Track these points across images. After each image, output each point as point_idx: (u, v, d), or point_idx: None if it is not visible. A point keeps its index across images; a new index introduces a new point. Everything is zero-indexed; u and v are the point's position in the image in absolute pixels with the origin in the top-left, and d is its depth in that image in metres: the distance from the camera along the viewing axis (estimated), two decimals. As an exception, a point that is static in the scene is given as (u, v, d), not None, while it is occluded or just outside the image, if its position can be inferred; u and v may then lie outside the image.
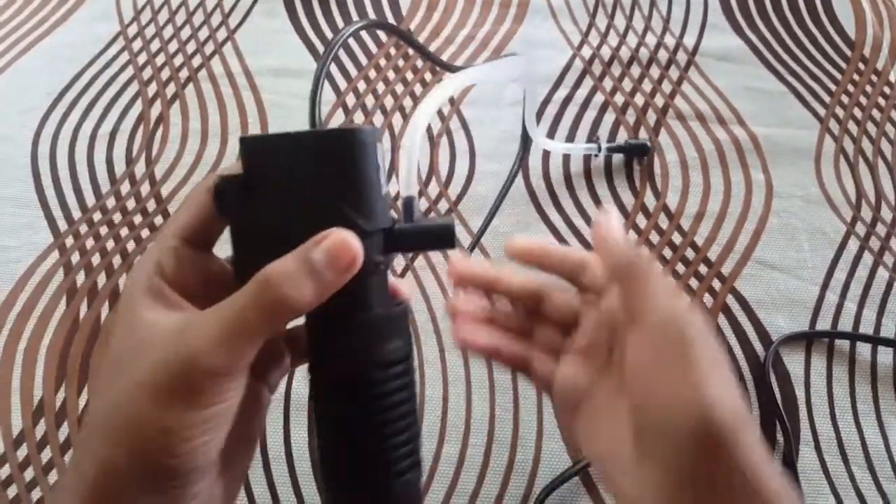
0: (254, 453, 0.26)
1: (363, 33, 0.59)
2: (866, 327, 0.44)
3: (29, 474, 0.40)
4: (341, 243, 0.21)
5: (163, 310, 0.22)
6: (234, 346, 0.20)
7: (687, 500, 0.22)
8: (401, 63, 0.57)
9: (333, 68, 0.57)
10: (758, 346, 0.43)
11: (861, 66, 0.56)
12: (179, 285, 0.23)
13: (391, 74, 0.57)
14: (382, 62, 0.57)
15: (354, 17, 0.61)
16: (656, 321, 0.24)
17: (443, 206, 0.49)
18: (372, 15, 0.61)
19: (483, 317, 0.29)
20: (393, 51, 0.58)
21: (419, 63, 0.57)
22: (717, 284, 0.46)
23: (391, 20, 0.61)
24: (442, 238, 0.23)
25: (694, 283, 0.46)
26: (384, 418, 0.22)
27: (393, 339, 0.23)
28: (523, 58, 0.23)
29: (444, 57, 0.58)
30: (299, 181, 0.21)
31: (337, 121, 0.54)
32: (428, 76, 0.56)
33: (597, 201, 0.49)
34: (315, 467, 0.40)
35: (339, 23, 0.60)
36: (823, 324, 0.44)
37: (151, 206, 0.50)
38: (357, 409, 0.22)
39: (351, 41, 0.59)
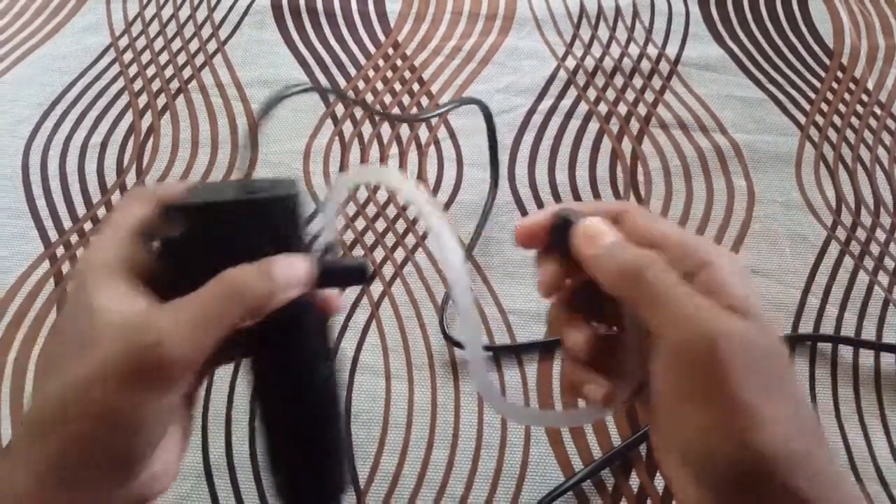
0: (191, 429, 0.26)
1: (352, 45, 0.60)
2: (848, 330, 0.45)
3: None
4: (296, 262, 0.23)
5: (122, 294, 0.22)
6: (199, 335, 0.21)
7: None
8: (389, 74, 0.58)
9: (322, 79, 0.58)
10: (741, 350, 0.44)
11: (839, 74, 0.58)
12: (134, 274, 0.23)
13: (379, 85, 0.58)
14: (371, 73, 0.58)
15: (343, 29, 0.62)
16: (678, 342, 0.20)
17: (431, 214, 0.50)
18: (360, 29, 0.62)
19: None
20: (381, 62, 0.59)
21: (407, 74, 0.58)
22: (700, 289, 0.46)
23: (380, 33, 0.61)
24: (357, 274, 0.26)
25: (678, 287, 0.46)
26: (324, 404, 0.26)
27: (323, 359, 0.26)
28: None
29: (432, 69, 0.58)
30: (234, 238, 0.24)
31: (326, 131, 0.55)
32: (416, 86, 0.57)
33: (582, 208, 0.50)
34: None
35: (329, 35, 0.61)
36: (805, 327, 0.45)
37: (142, 215, 0.50)
38: (299, 406, 0.25)
39: (339, 52, 0.60)
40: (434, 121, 0.55)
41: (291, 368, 0.25)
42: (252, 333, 0.24)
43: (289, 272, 0.23)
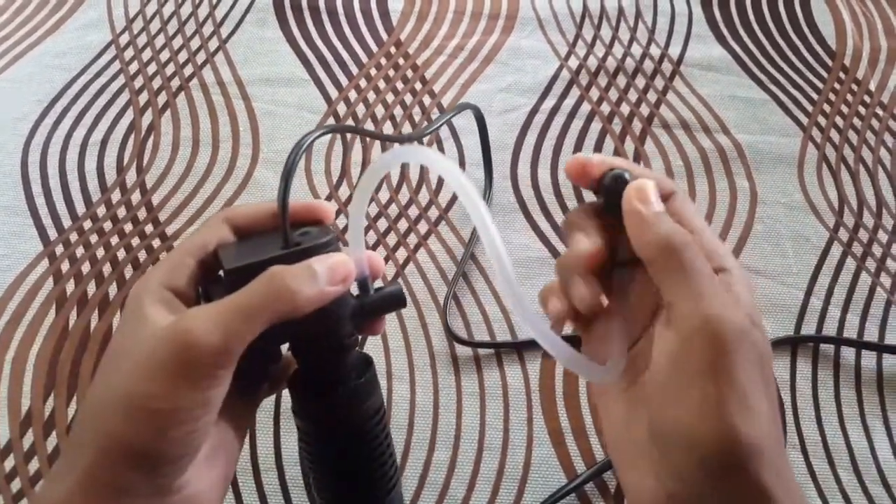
0: (237, 461, 0.26)
1: (355, 43, 0.60)
2: (850, 332, 0.45)
3: (16, 485, 0.39)
4: (340, 261, 0.24)
5: (170, 308, 0.23)
6: (230, 325, 0.21)
7: None
8: (391, 73, 0.58)
9: (324, 77, 0.58)
10: (744, 351, 0.44)
11: (842, 75, 0.58)
12: (185, 300, 0.24)
13: (381, 84, 0.57)
14: (373, 72, 0.58)
15: (345, 27, 0.61)
16: (689, 326, 0.21)
17: (433, 213, 0.50)
18: (363, 27, 0.62)
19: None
20: (384, 60, 0.59)
21: (409, 73, 0.58)
22: (703, 290, 0.46)
23: (382, 32, 0.61)
24: (396, 302, 0.27)
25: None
26: (373, 454, 0.28)
27: (370, 397, 0.27)
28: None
29: (434, 68, 0.58)
30: None
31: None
32: (418, 85, 0.57)
33: (585, 208, 0.50)
34: (306, 479, 0.40)
35: (330, 33, 0.61)
36: (808, 328, 0.45)
37: (142, 214, 0.50)
38: (350, 454, 0.27)
39: (341, 50, 0.60)
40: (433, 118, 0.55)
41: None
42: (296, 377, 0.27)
43: (330, 268, 0.24)
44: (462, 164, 0.52)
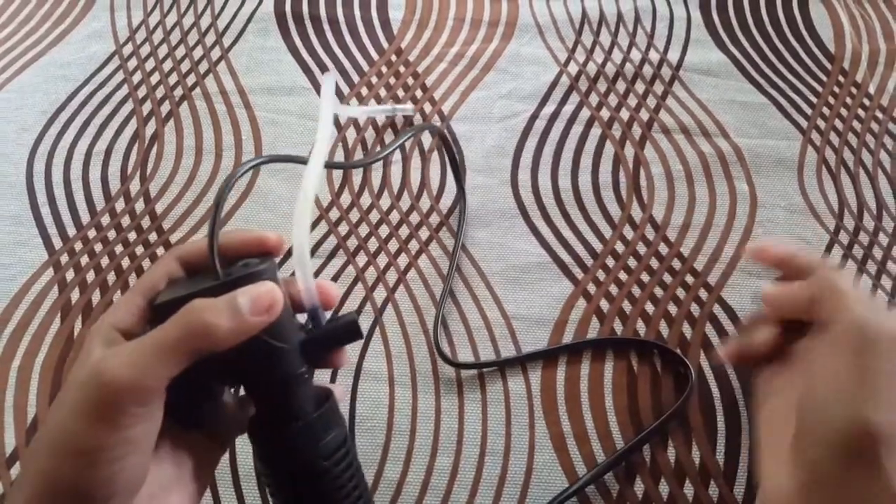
0: (197, 499, 0.26)
1: (356, 52, 0.61)
2: (851, 334, 0.45)
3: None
4: (266, 291, 0.23)
5: (109, 346, 0.23)
6: (143, 362, 0.21)
7: (820, 496, 0.23)
8: (392, 81, 0.59)
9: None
10: (745, 355, 0.44)
11: (841, 78, 0.58)
12: (129, 335, 0.24)
13: (383, 92, 0.58)
14: (374, 80, 0.59)
15: (346, 36, 0.62)
16: (842, 329, 0.25)
17: (434, 219, 0.50)
18: (363, 36, 0.62)
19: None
20: (385, 68, 0.59)
21: (410, 81, 0.58)
22: (703, 294, 0.46)
23: (383, 39, 0.62)
24: (350, 333, 0.27)
25: (681, 292, 0.46)
26: (336, 494, 0.26)
27: (329, 432, 0.26)
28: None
29: (435, 75, 0.59)
30: None
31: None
32: (419, 93, 0.58)
33: (585, 213, 0.50)
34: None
35: (332, 42, 0.61)
36: (809, 331, 0.45)
37: (146, 223, 0.50)
38: (310, 492, 0.26)
39: (342, 58, 0.60)
40: (438, 124, 0.55)
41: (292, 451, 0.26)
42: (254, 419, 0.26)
43: (254, 298, 0.23)
44: (462, 169, 0.52)
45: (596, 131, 0.55)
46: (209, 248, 0.24)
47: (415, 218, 0.50)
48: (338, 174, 0.53)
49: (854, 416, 0.22)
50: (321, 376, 0.43)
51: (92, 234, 0.50)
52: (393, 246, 0.49)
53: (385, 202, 0.51)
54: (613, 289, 0.47)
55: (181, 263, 0.26)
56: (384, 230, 0.49)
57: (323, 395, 0.27)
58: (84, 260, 0.48)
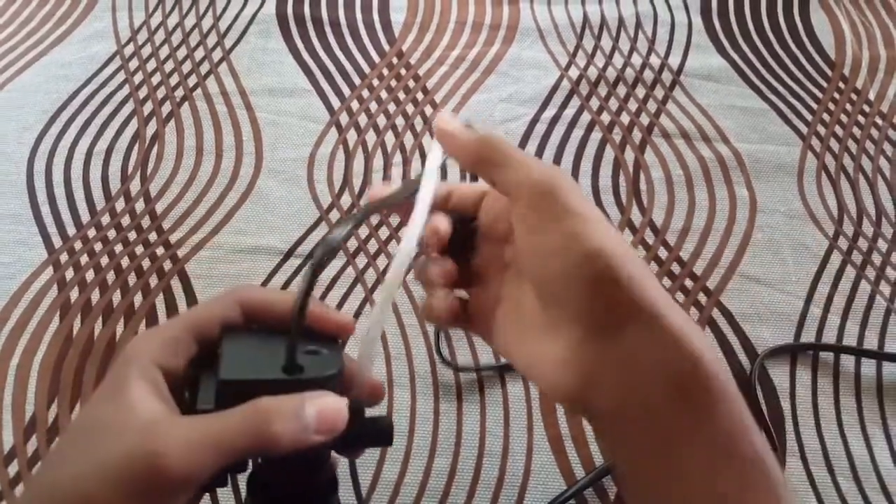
0: None
1: (357, 54, 0.61)
2: (850, 339, 0.45)
3: (20, 491, 0.39)
4: (334, 410, 0.22)
5: (147, 394, 0.22)
6: (207, 457, 0.20)
7: (595, 344, 0.22)
8: (393, 83, 0.59)
9: (327, 87, 0.58)
10: (743, 359, 0.44)
11: (841, 84, 0.58)
12: (171, 376, 0.23)
13: (384, 94, 0.58)
14: (375, 82, 0.59)
15: (347, 38, 0.62)
16: (530, 184, 0.24)
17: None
18: (365, 38, 0.62)
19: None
20: (386, 71, 0.60)
21: (411, 84, 0.59)
22: (702, 298, 0.46)
23: (384, 42, 0.62)
24: (382, 438, 0.26)
25: (680, 297, 0.46)
26: None
27: None
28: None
29: (436, 78, 0.59)
30: None
31: (331, 139, 0.55)
32: (420, 95, 0.58)
33: (585, 217, 0.50)
34: None
35: (333, 44, 0.62)
36: (808, 336, 0.45)
37: (146, 222, 0.50)
38: None
39: (343, 61, 0.60)
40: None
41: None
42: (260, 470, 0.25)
43: (321, 414, 0.22)
44: (464, 173, 0.53)
45: (596, 135, 0.55)
46: (292, 335, 0.22)
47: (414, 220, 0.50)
48: (338, 174, 0.53)
49: (582, 249, 0.22)
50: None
51: (92, 233, 0.50)
52: (393, 247, 0.49)
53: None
54: (613, 292, 0.47)
55: (242, 308, 0.25)
56: (384, 232, 0.50)
57: (331, 481, 0.26)
58: (84, 259, 0.48)
